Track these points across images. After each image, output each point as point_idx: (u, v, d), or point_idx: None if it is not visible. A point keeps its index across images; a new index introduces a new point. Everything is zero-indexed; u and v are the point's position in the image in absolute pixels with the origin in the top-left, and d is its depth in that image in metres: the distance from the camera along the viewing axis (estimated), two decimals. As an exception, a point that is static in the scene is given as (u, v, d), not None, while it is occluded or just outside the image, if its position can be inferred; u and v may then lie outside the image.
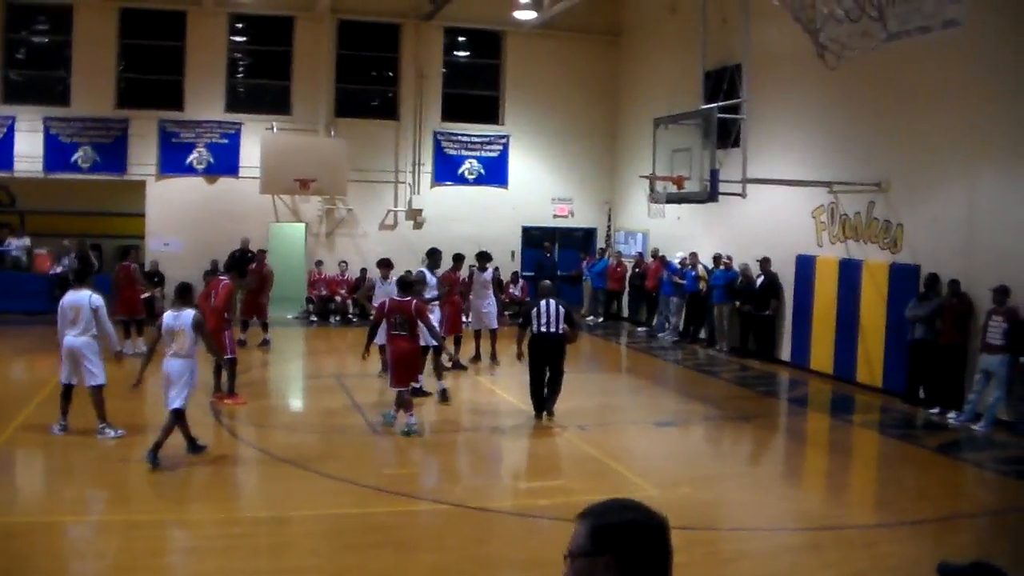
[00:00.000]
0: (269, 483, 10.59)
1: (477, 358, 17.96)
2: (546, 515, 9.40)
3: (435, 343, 13.93)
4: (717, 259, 20.78)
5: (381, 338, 16.65)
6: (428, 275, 16.06)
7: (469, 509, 9.56)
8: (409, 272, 15.08)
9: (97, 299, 11.71)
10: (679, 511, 9.51)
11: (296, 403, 15.18)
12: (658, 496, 10.11)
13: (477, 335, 18.20)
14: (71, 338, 11.54)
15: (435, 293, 15.45)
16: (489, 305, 17.95)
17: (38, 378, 15.26)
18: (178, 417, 10.71)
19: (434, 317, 14.13)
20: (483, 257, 18.21)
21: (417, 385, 13.44)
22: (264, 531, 8.62)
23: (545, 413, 13.21)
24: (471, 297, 18.31)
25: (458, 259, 17.73)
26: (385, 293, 16.53)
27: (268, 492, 10.31)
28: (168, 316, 10.96)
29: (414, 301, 12.56)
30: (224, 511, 9.21)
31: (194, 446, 11.00)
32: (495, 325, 18.03)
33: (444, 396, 14.41)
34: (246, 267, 21.41)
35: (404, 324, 12.35)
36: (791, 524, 9.42)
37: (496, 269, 19.20)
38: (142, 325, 18.02)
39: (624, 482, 10.81)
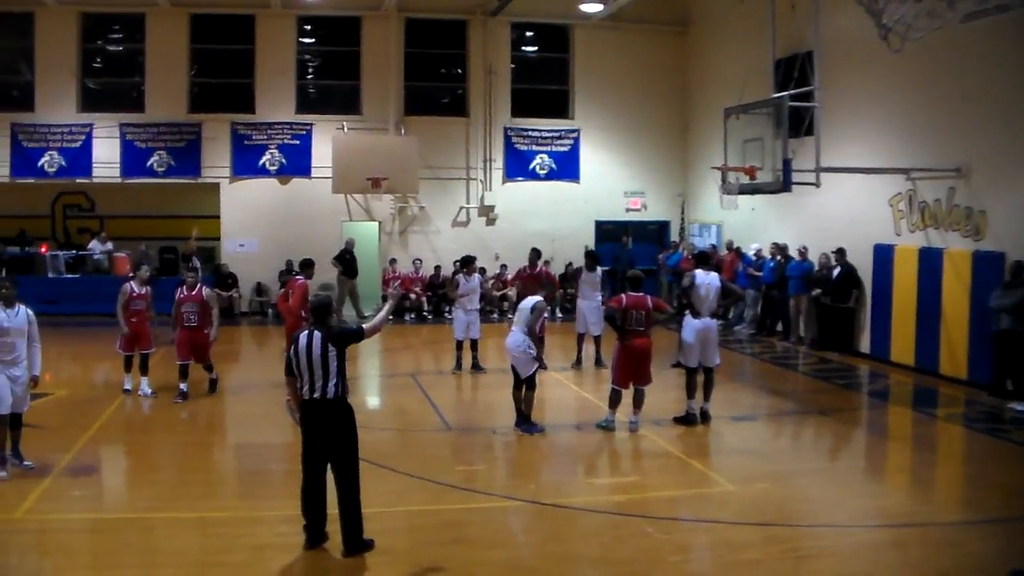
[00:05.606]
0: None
1: (578, 363, 17.08)
2: (621, 512, 9.30)
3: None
4: (784, 249, 20.71)
5: (459, 333, 16.72)
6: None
7: (543, 505, 9.53)
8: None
9: None
10: (757, 507, 9.42)
11: (372, 400, 15.23)
12: (736, 492, 9.98)
13: (580, 339, 17.30)
14: None
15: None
16: (598, 311, 16.51)
17: (120, 380, 15.54)
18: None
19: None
20: (592, 257, 17.32)
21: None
22: (338, 528, 8.63)
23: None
24: (578, 299, 17.31)
25: (537, 254, 17.75)
26: (470, 289, 16.58)
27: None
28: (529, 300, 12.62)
29: (649, 297, 12.58)
30: (299, 508, 9.24)
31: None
32: (598, 332, 16.93)
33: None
34: (354, 267, 22.04)
35: (643, 320, 12.36)
36: (872, 521, 9.17)
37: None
38: None
39: (701, 478, 10.68)
